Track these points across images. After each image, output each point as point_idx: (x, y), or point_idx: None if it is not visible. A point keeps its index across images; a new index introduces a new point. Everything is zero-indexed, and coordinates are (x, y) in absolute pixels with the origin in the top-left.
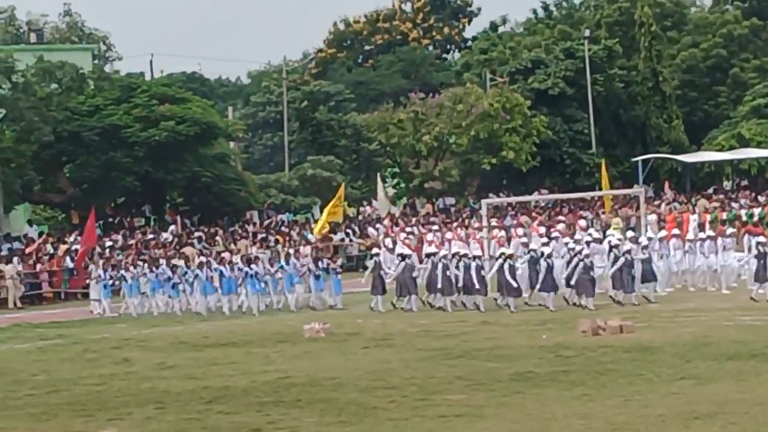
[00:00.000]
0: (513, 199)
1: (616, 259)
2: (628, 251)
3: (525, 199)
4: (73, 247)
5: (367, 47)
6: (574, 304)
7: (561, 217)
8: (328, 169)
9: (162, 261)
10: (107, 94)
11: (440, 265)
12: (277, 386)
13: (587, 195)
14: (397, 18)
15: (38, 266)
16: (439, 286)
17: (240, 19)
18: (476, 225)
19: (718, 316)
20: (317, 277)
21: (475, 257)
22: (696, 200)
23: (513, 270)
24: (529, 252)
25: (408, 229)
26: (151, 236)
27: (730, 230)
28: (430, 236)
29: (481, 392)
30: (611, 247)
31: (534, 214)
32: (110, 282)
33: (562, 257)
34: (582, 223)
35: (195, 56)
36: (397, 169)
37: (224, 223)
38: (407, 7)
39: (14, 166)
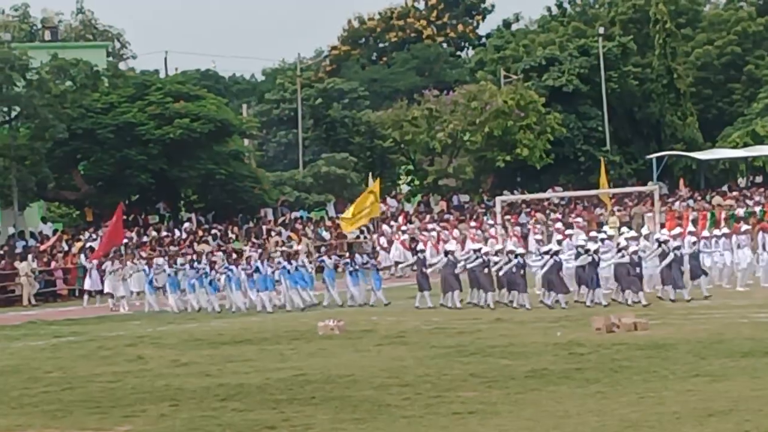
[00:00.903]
0: (527, 197)
1: (665, 255)
2: (677, 247)
3: (539, 197)
4: (88, 245)
5: (381, 44)
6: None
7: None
8: (342, 166)
9: (202, 257)
10: (122, 92)
11: (480, 261)
12: (292, 383)
13: (601, 192)
14: (411, 15)
15: (53, 263)
16: (481, 282)
17: (254, 16)
18: (489, 222)
19: (733, 313)
20: (352, 274)
21: (517, 254)
22: (711, 197)
23: (560, 267)
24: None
25: (404, 228)
26: (165, 233)
27: (744, 227)
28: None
29: (495, 389)
30: (659, 243)
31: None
32: (153, 277)
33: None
34: (579, 220)
35: (209, 54)
36: (411, 167)
37: (238, 221)
38: (421, 4)
39: (29, 163)
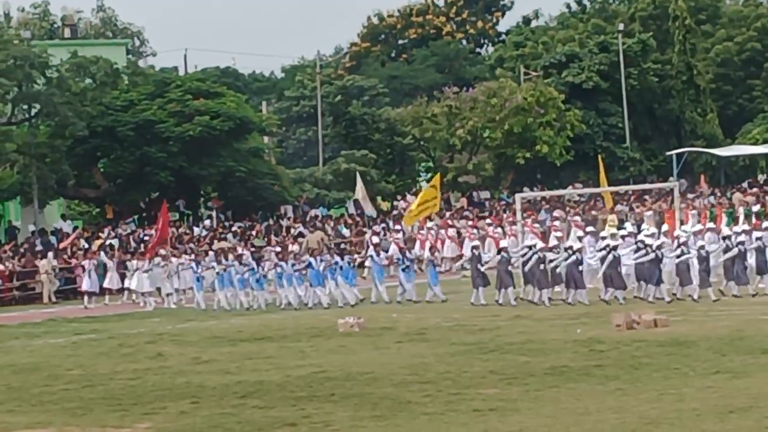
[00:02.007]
0: (547, 193)
1: (728, 249)
2: (742, 242)
3: (559, 193)
4: (107, 242)
5: (400, 41)
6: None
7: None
8: (361, 163)
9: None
10: (141, 89)
11: (535, 258)
12: (312, 381)
13: (621, 189)
14: (430, 12)
15: (73, 261)
16: (536, 279)
17: (274, 13)
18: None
19: (753, 310)
20: (406, 270)
21: (575, 251)
22: (731, 194)
23: (619, 262)
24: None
25: (397, 227)
26: (185, 231)
27: (765, 224)
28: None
29: (515, 386)
30: (723, 238)
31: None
32: (201, 274)
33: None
34: (577, 218)
35: (229, 51)
36: (430, 164)
37: (258, 218)
38: (440, 1)
39: (49, 161)
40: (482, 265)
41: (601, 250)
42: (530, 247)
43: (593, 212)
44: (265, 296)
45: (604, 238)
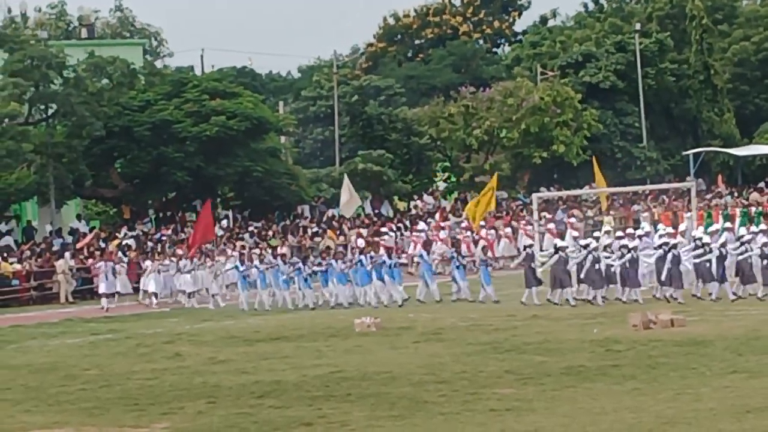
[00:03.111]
0: (564, 193)
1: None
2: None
3: (576, 193)
4: (124, 242)
5: (417, 41)
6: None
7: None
8: (378, 163)
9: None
10: (158, 89)
11: (590, 257)
12: (328, 380)
13: (638, 189)
14: (447, 12)
15: (90, 261)
16: (592, 278)
17: (290, 13)
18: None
19: None
20: (459, 267)
21: (630, 248)
22: (748, 194)
23: (679, 260)
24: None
25: (383, 229)
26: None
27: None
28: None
29: (531, 386)
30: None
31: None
32: (246, 273)
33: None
34: (572, 220)
35: (245, 51)
36: (447, 164)
37: (274, 218)
38: (457, 0)
39: (66, 161)
40: (535, 264)
41: (657, 248)
42: (585, 247)
43: (588, 213)
44: (315, 294)
45: (620, 237)
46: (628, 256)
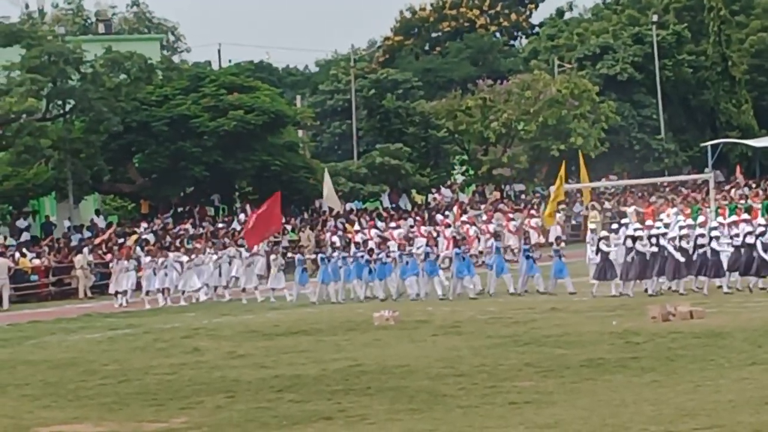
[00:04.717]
0: (582, 185)
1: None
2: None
3: (593, 185)
4: (143, 237)
5: (434, 34)
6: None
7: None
8: (396, 156)
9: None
10: (176, 84)
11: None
12: (348, 374)
13: (656, 181)
14: (463, 5)
15: (108, 256)
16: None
17: (307, 7)
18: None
19: None
20: (529, 259)
21: (711, 238)
22: (766, 185)
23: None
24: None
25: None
26: (221, 225)
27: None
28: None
29: (551, 379)
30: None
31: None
32: (305, 267)
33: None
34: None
35: (263, 45)
36: (465, 157)
37: (291, 211)
38: None
39: (84, 156)
40: (609, 257)
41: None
42: (652, 237)
43: (606, 205)
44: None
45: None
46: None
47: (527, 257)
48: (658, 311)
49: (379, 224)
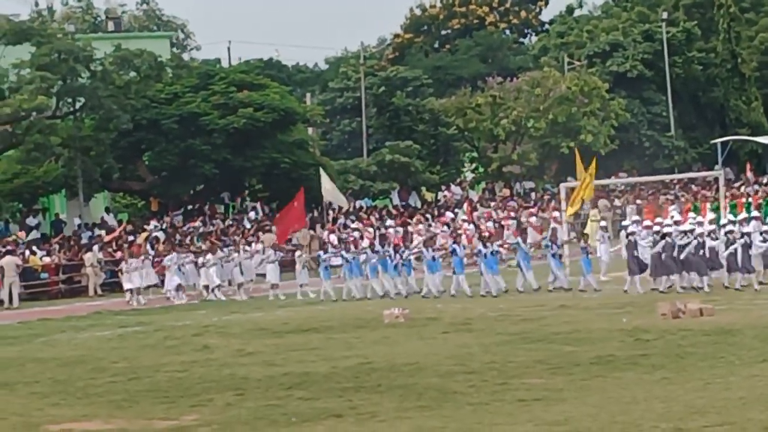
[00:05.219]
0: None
1: (731, 242)
2: (748, 233)
3: (603, 183)
4: (153, 234)
5: (443, 32)
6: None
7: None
8: (406, 154)
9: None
10: (185, 82)
11: (695, 244)
12: (358, 372)
13: (666, 178)
14: (473, 2)
15: (118, 254)
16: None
17: (316, 5)
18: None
19: None
20: (555, 256)
21: (743, 234)
22: None
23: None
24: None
25: (353, 225)
26: (230, 223)
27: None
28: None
29: (561, 376)
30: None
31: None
32: (329, 264)
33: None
34: (555, 213)
35: (272, 43)
36: (475, 154)
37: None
38: None
39: (93, 154)
40: (638, 252)
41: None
42: (688, 232)
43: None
44: (409, 283)
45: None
46: (741, 241)
47: (553, 255)
48: (668, 308)
49: (389, 222)
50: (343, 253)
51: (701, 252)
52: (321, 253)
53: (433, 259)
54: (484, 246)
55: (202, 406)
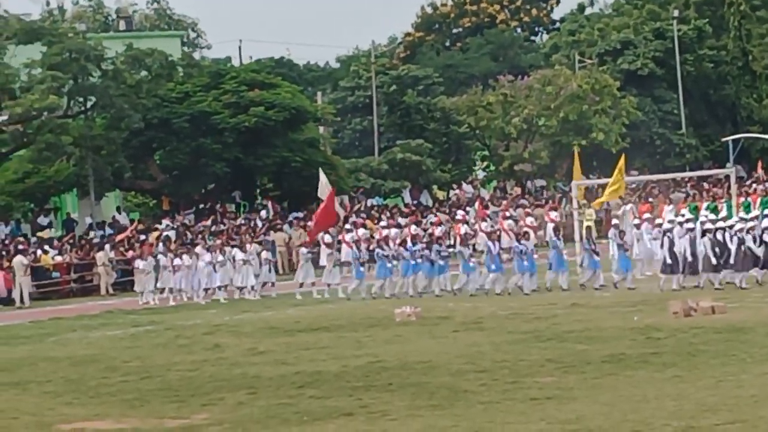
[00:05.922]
0: (603, 181)
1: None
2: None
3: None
4: (164, 234)
5: (455, 30)
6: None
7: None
8: (417, 152)
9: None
10: (196, 81)
11: (736, 239)
12: (369, 370)
13: (678, 176)
14: (484, 0)
15: (130, 253)
16: (732, 261)
17: (327, 3)
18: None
19: None
20: (588, 252)
21: (765, 229)
22: None
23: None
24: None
25: (347, 226)
26: (242, 221)
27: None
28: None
29: (572, 374)
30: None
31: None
32: (361, 262)
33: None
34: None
35: (283, 42)
36: (486, 152)
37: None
38: None
39: (105, 153)
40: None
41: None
42: (730, 228)
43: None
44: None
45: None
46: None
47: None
48: (679, 306)
49: (401, 221)
50: (378, 251)
51: (742, 249)
52: (379, 250)
53: (471, 257)
54: (519, 243)
55: (213, 405)
